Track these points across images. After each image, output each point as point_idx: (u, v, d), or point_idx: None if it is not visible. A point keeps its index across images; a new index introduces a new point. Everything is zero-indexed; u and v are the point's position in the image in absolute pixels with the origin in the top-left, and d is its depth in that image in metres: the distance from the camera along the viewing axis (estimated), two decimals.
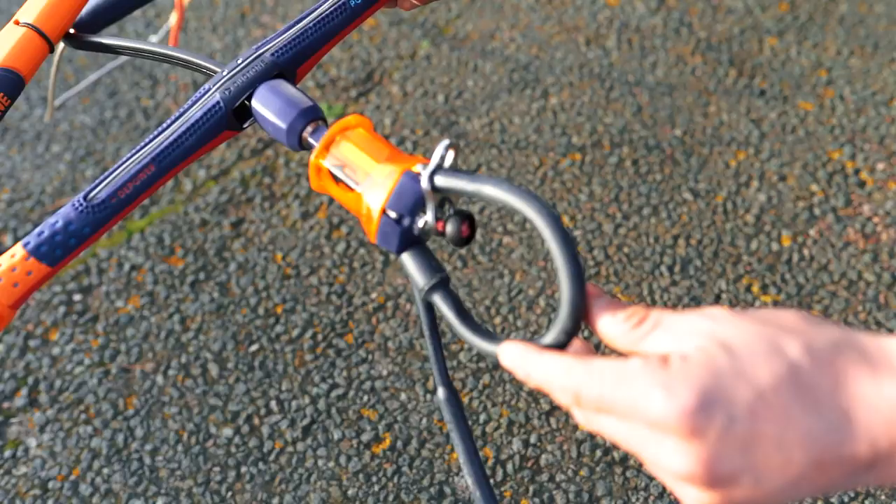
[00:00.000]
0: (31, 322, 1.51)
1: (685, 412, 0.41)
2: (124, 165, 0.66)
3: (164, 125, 0.67)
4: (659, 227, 1.64)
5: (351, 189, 0.60)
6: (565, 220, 1.65)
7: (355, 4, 0.76)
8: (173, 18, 1.37)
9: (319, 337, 1.48)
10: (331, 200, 1.69)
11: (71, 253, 0.64)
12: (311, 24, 0.73)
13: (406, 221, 0.56)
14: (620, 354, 0.49)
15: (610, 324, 0.49)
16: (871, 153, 1.76)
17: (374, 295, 1.54)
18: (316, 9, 0.74)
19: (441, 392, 0.59)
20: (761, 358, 0.42)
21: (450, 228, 0.55)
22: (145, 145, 0.67)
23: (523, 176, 1.73)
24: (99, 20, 0.87)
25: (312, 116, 0.66)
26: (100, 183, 0.65)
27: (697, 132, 1.81)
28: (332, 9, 0.74)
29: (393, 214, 0.56)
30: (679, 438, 0.42)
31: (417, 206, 0.56)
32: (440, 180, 0.55)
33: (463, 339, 0.54)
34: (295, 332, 1.49)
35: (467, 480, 0.56)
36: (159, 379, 1.43)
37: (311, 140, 0.65)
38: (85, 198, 0.64)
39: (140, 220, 1.67)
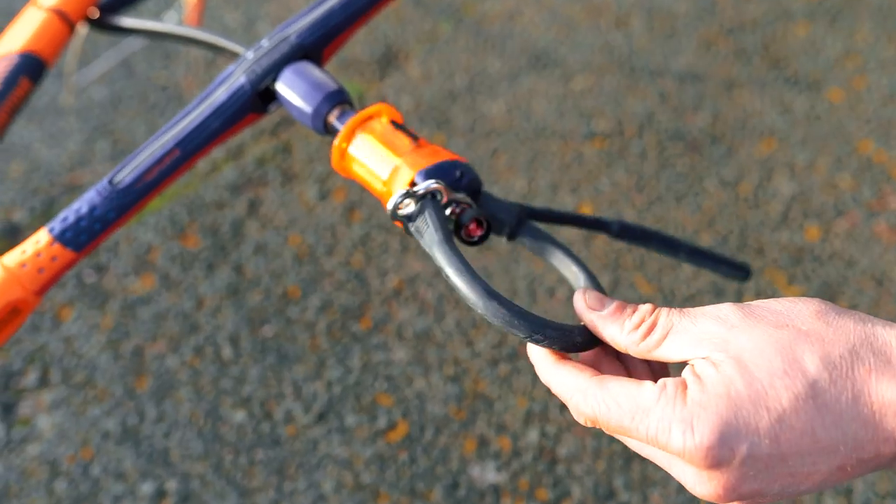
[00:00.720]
0: (44, 301, 1.49)
1: (706, 448, 0.41)
2: (149, 149, 0.64)
3: (189, 108, 0.66)
4: (683, 217, 1.60)
5: (378, 176, 0.58)
6: (588, 208, 1.62)
7: None
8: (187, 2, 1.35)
9: (335, 321, 1.46)
10: (349, 183, 1.66)
11: (96, 238, 0.63)
12: (337, 5, 0.71)
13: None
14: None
15: (618, 336, 0.48)
16: None
17: (391, 280, 1.52)
18: None
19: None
20: (779, 379, 0.41)
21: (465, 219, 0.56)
22: (169, 128, 0.65)
23: (544, 161, 1.70)
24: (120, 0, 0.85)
25: (338, 100, 0.64)
26: (124, 167, 0.63)
27: (723, 120, 1.78)
28: None
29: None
30: (700, 469, 0.42)
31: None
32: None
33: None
34: (310, 316, 1.47)
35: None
36: (172, 360, 1.41)
37: (336, 124, 0.63)
38: (110, 182, 0.63)
39: (154, 200, 1.65)
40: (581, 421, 0.46)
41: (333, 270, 1.54)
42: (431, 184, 0.54)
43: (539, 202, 1.62)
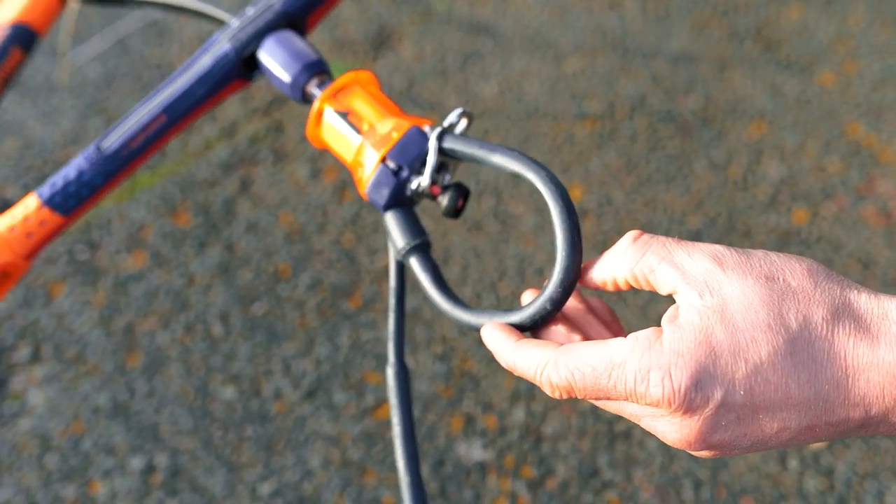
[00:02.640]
0: (36, 277, 1.50)
1: (683, 392, 0.41)
2: (135, 115, 0.65)
3: (175, 75, 0.66)
4: (672, 199, 1.61)
5: (351, 139, 0.59)
6: (578, 189, 1.63)
7: None
8: None
9: (325, 299, 1.47)
10: (340, 163, 1.67)
11: (83, 203, 0.64)
12: None
13: (404, 174, 0.56)
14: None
15: (613, 260, 0.48)
16: (891, 130, 1.73)
17: (380, 258, 1.53)
18: None
19: (392, 367, 0.59)
20: (762, 332, 0.42)
21: (447, 198, 0.55)
22: (156, 95, 0.65)
23: (536, 142, 1.70)
24: None
25: (317, 70, 0.65)
26: (111, 133, 0.64)
27: (715, 103, 1.78)
28: None
29: (392, 165, 0.56)
30: (675, 416, 0.42)
31: (418, 162, 0.56)
32: (450, 141, 0.54)
33: (438, 308, 0.53)
34: (300, 294, 1.48)
35: (398, 462, 0.55)
36: (163, 337, 1.43)
37: (314, 92, 0.64)
38: (97, 148, 0.64)
39: (147, 178, 1.66)
40: (555, 394, 0.46)
41: (324, 249, 1.55)
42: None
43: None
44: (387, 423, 1.33)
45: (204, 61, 0.66)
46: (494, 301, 1.47)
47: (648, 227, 1.57)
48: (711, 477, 1.27)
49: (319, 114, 0.61)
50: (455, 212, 0.56)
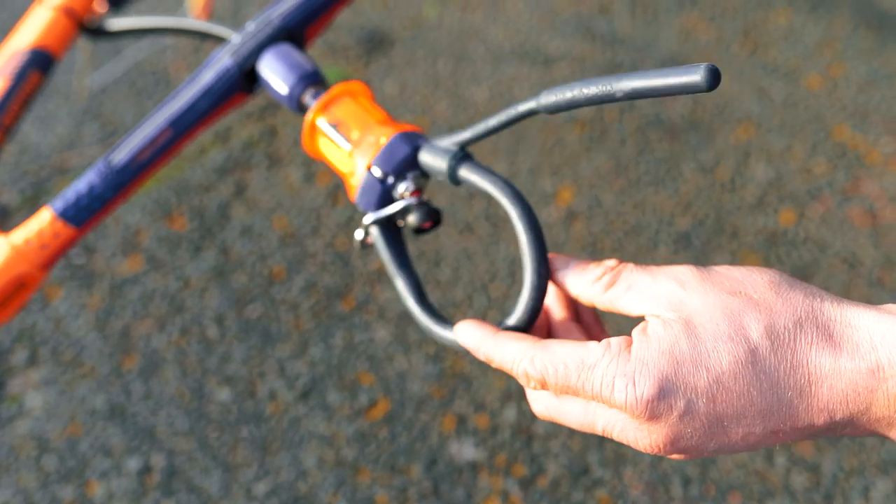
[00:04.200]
0: None
1: (646, 401, 0.43)
2: (142, 130, 0.68)
3: (179, 89, 0.69)
4: (660, 201, 1.64)
5: (342, 148, 0.61)
6: (568, 191, 1.65)
7: None
8: None
9: (318, 302, 1.49)
10: None
11: (95, 215, 0.67)
12: None
13: (389, 181, 0.58)
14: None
15: (583, 287, 0.50)
16: (877, 132, 1.75)
17: (373, 261, 1.55)
18: None
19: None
20: (723, 343, 0.43)
21: (413, 217, 0.58)
22: (161, 109, 0.68)
23: (526, 145, 1.73)
24: None
25: (312, 81, 0.67)
26: (119, 147, 0.67)
27: (703, 106, 1.81)
28: None
29: (378, 173, 0.58)
30: (641, 422, 0.44)
31: (403, 169, 0.58)
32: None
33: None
34: (294, 297, 1.50)
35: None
36: (158, 339, 1.44)
37: (309, 103, 0.66)
38: (107, 162, 0.66)
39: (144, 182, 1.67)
40: (529, 385, 0.48)
41: (317, 252, 1.56)
42: (376, 216, 0.59)
43: (519, 184, 1.65)
44: (380, 423, 1.35)
45: (207, 76, 0.69)
46: (486, 302, 1.49)
47: (637, 229, 1.59)
48: (700, 474, 1.29)
49: (312, 125, 0.63)
50: (417, 230, 0.58)
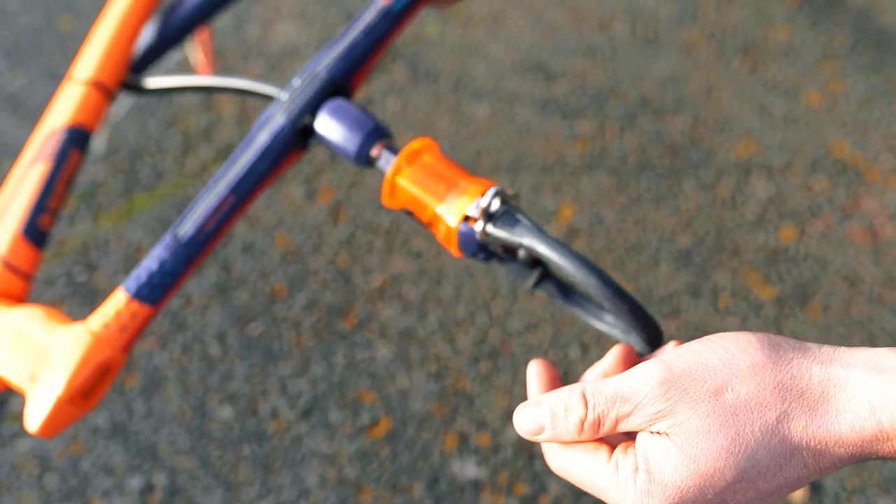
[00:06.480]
0: (34, 298, 1.52)
1: None
2: (205, 200, 0.69)
3: (235, 154, 0.70)
4: (661, 218, 1.64)
5: (427, 204, 0.63)
6: (569, 209, 1.65)
7: (399, 8, 0.77)
8: (194, 51, 1.39)
9: (320, 319, 1.50)
10: (335, 184, 1.69)
11: (169, 290, 0.68)
12: (359, 36, 0.75)
13: (481, 256, 0.62)
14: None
15: (566, 433, 0.49)
16: (877, 149, 1.76)
17: (375, 279, 1.55)
18: (360, 19, 0.76)
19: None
20: (723, 459, 0.45)
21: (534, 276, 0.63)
22: (221, 177, 0.70)
23: (527, 162, 1.73)
24: (154, 55, 0.88)
25: (378, 136, 0.68)
26: (184, 220, 0.68)
27: (703, 122, 1.81)
28: (376, 17, 0.76)
29: (466, 254, 0.62)
30: None
31: (482, 248, 0.61)
32: (491, 229, 0.59)
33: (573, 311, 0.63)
34: (296, 314, 1.50)
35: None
36: (160, 357, 1.45)
37: (381, 160, 0.67)
38: (174, 236, 0.67)
39: (144, 199, 1.68)
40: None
41: (319, 269, 1.57)
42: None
43: (521, 202, 1.66)
44: (381, 441, 1.35)
45: (262, 137, 0.70)
46: (487, 321, 1.49)
47: (638, 247, 1.59)
48: None
49: (394, 185, 0.64)
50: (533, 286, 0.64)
